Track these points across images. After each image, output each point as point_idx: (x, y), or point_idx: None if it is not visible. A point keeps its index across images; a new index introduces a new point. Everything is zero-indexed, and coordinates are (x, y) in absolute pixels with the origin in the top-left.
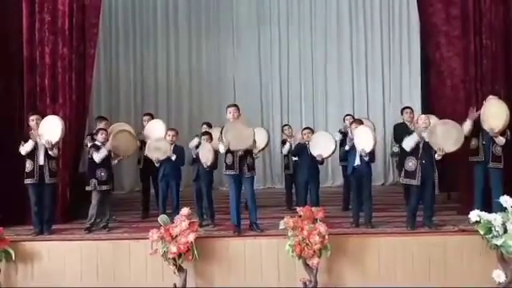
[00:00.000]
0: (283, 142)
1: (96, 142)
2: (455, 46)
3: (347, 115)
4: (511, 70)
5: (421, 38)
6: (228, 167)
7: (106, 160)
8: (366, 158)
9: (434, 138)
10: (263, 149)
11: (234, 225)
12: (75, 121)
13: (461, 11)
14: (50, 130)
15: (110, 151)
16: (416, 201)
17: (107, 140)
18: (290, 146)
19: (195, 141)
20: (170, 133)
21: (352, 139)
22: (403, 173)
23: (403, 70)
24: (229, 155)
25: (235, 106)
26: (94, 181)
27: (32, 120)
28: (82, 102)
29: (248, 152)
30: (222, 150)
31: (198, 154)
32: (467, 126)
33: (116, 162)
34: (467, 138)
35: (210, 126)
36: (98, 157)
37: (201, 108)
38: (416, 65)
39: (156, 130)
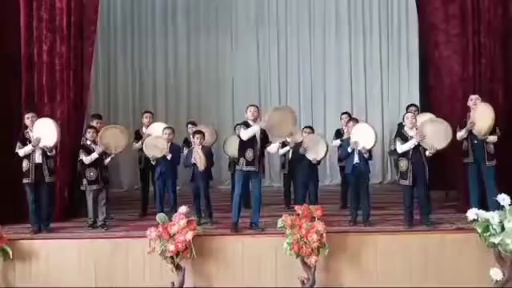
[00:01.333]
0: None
1: (87, 142)
2: (454, 44)
3: (343, 113)
4: (509, 68)
5: (419, 37)
6: (248, 163)
7: (96, 160)
8: (366, 155)
9: (426, 139)
10: None
11: (233, 222)
12: (73, 119)
13: (459, 10)
14: (45, 134)
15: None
16: (409, 199)
17: (95, 138)
18: (289, 150)
19: (188, 150)
20: (167, 131)
21: (355, 141)
22: (398, 173)
23: (402, 68)
24: (249, 151)
25: (256, 106)
26: (84, 180)
27: (27, 118)
28: (80, 100)
29: (262, 152)
30: (246, 135)
31: (195, 159)
32: (461, 135)
33: (109, 159)
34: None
35: (195, 124)
36: (87, 160)
37: (199, 107)
38: (414, 63)
39: (157, 130)
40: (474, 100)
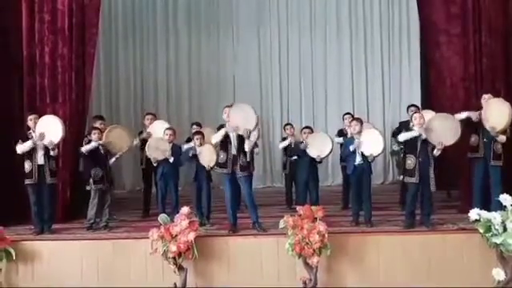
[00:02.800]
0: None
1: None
2: (455, 44)
3: (346, 114)
4: (511, 68)
5: (420, 37)
6: (220, 165)
7: (101, 159)
8: (370, 159)
9: (433, 134)
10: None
11: (231, 223)
12: (75, 120)
13: (460, 10)
14: (50, 130)
15: (106, 150)
16: (414, 199)
17: (100, 139)
18: (290, 144)
19: (189, 145)
20: (168, 132)
21: (357, 140)
22: (403, 171)
23: (403, 68)
24: (222, 153)
25: (230, 106)
26: (90, 180)
27: (30, 120)
28: (82, 101)
29: (242, 150)
30: (215, 139)
31: (194, 154)
32: (461, 116)
33: (114, 159)
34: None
35: (199, 125)
36: (84, 148)
37: (201, 107)
38: (416, 63)
39: (159, 129)
40: (486, 99)
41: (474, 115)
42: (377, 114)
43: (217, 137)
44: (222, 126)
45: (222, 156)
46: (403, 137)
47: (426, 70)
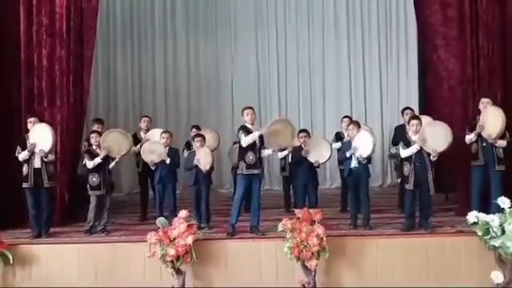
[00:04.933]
0: None
1: (92, 147)
2: (452, 47)
3: (344, 117)
4: (508, 71)
5: (418, 40)
6: (251, 166)
7: (98, 165)
8: (364, 162)
9: (427, 143)
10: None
11: (231, 225)
12: (73, 123)
13: (457, 13)
14: (40, 139)
15: (105, 156)
16: (410, 204)
17: (99, 143)
18: (288, 153)
19: (188, 153)
20: (164, 135)
21: (352, 144)
22: (401, 177)
23: (401, 71)
24: (250, 154)
25: (252, 108)
26: (88, 185)
27: (30, 122)
28: (80, 104)
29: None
30: (246, 142)
31: (197, 161)
32: (470, 138)
33: (113, 164)
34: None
35: (199, 128)
36: (90, 165)
37: (199, 109)
38: (413, 66)
39: (156, 135)
40: (484, 103)
41: (478, 128)
42: (375, 117)
43: (249, 140)
44: (242, 128)
45: (251, 157)
46: (405, 154)
47: (423, 72)
